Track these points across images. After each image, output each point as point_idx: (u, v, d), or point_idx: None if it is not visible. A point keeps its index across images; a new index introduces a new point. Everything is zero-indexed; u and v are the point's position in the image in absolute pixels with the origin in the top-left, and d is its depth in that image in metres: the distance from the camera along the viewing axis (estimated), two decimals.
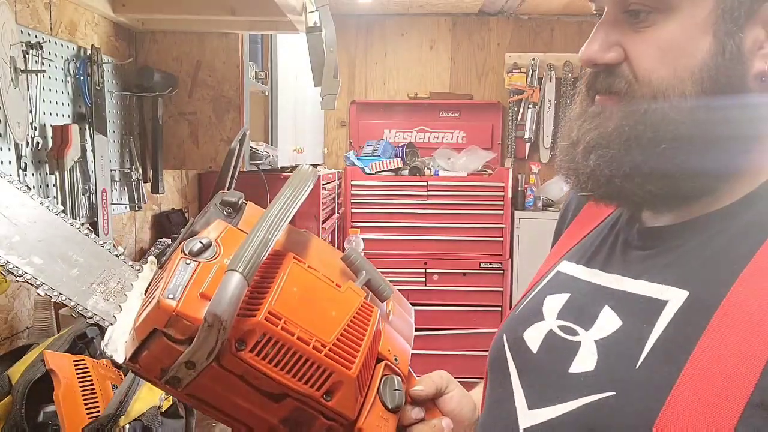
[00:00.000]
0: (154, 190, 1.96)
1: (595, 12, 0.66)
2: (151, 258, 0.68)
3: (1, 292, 1.21)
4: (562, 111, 4.12)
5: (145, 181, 1.95)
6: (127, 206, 1.90)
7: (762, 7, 0.57)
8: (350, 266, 0.66)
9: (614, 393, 0.56)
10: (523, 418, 0.64)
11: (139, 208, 1.93)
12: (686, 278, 0.59)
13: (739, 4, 0.57)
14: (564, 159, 0.66)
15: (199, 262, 0.54)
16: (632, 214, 0.69)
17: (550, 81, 4.10)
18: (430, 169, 3.98)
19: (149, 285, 0.63)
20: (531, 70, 4.11)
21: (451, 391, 0.73)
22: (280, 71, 2.53)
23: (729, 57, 0.58)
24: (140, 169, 1.92)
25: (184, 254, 0.54)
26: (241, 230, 0.61)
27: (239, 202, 0.65)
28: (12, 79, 1.30)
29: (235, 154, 0.79)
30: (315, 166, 3.55)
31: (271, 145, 2.49)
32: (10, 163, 1.35)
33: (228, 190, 0.75)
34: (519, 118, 4.24)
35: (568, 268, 0.73)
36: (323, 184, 2.99)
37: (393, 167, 3.97)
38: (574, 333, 0.64)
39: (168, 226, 2.24)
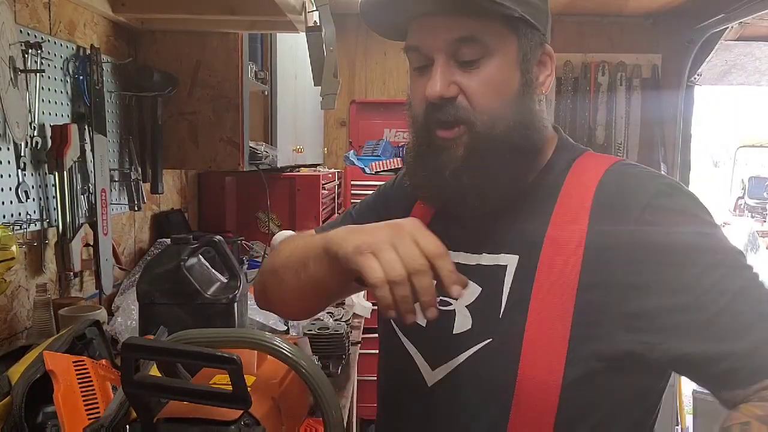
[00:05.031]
0: (154, 190, 1.95)
1: (416, 67, 0.84)
2: None
3: (0, 292, 1.21)
4: (561, 110, 4.12)
5: (145, 181, 1.94)
6: (127, 206, 1.90)
7: (537, 52, 0.83)
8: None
9: (491, 339, 0.79)
10: (429, 376, 0.84)
11: (139, 208, 1.93)
12: (512, 245, 0.82)
13: (529, 49, 0.81)
14: (429, 184, 0.83)
15: None
16: (458, 208, 0.87)
17: None
18: None
19: None
20: None
21: None
22: (279, 71, 2.52)
23: (529, 86, 0.82)
24: (139, 169, 1.92)
25: None
26: None
27: None
28: (11, 79, 1.29)
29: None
30: (315, 166, 3.55)
31: (271, 144, 2.48)
32: (9, 163, 1.35)
33: None
34: None
35: None
36: (323, 184, 2.98)
37: (393, 167, 3.96)
38: (447, 304, 0.83)
39: (167, 227, 2.24)
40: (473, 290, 0.83)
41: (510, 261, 0.81)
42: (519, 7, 0.78)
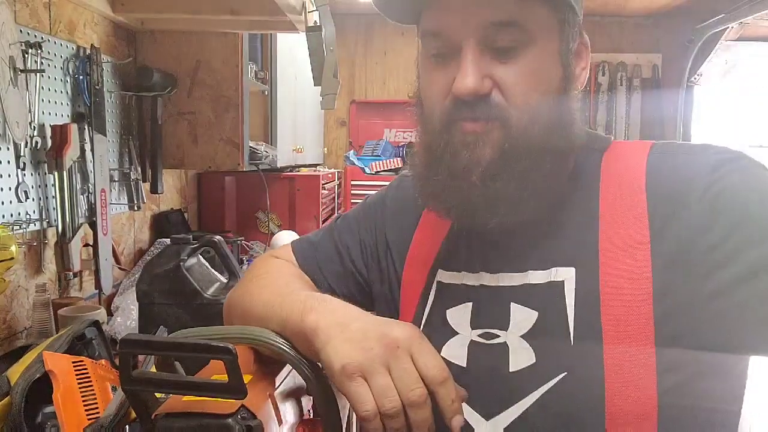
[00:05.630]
0: (153, 190, 1.95)
1: (435, 54, 0.70)
2: None
3: (0, 292, 1.21)
4: None
5: (144, 181, 1.94)
6: (126, 206, 1.90)
7: (576, 41, 0.71)
8: None
9: (566, 372, 0.65)
10: (483, 429, 0.67)
11: (138, 208, 1.93)
12: (563, 256, 0.69)
13: (570, 37, 0.70)
14: (449, 192, 0.69)
15: None
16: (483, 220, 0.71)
17: None
18: None
19: None
20: None
21: None
22: (279, 71, 2.52)
23: (569, 81, 0.70)
24: (139, 169, 1.92)
25: None
26: None
27: None
28: (11, 79, 1.29)
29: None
30: (315, 166, 3.55)
31: (271, 144, 2.48)
32: (9, 162, 1.35)
33: None
34: None
35: (450, 277, 0.77)
36: (323, 184, 2.98)
37: (393, 167, 3.96)
38: (495, 336, 0.70)
39: (167, 227, 2.24)
40: (527, 316, 0.69)
41: (566, 275, 0.68)
42: None
